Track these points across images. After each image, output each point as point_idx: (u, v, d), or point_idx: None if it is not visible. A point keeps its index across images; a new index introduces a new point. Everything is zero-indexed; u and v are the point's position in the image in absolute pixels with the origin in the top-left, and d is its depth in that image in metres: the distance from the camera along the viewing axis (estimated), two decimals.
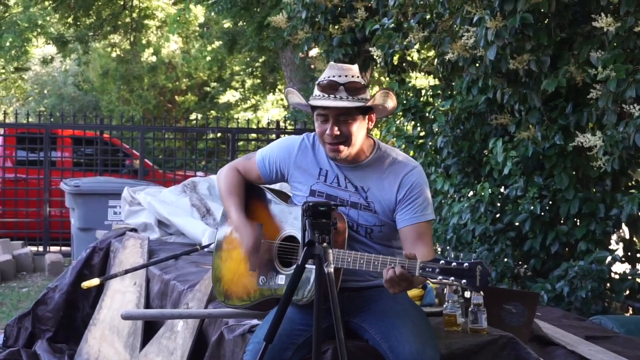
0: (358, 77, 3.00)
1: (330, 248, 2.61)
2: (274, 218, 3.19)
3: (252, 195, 3.30)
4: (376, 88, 14.16)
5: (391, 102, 3.06)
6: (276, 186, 3.63)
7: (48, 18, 17.29)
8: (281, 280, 3.06)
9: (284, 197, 3.29)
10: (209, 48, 17.92)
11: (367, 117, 3.03)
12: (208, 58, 18.23)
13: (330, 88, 2.95)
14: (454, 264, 2.58)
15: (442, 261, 2.60)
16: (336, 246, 2.79)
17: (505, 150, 5.56)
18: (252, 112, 21.50)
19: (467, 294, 3.22)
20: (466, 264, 2.57)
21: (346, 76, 2.97)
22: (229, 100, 20.97)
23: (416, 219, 2.98)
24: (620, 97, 4.72)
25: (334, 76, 2.97)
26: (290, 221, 3.11)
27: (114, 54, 19.49)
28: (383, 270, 2.73)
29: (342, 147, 2.98)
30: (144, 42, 19.00)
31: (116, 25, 16.79)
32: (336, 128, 2.96)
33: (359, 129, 3.00)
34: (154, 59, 19.77)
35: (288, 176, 3.19)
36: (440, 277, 2.59)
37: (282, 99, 20.07)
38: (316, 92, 3.00)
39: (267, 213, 3.23)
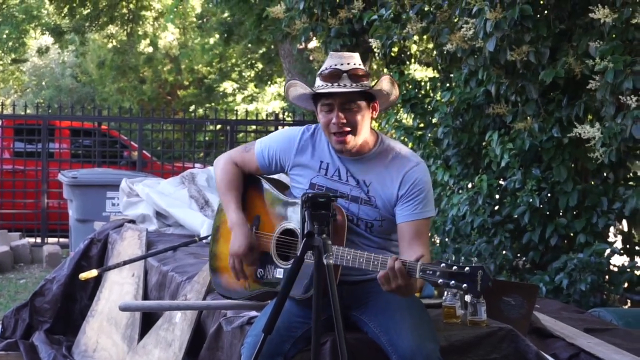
0: (360, 64, 2.97)
1: (330, 240, 2.58)
2: (272, 210, 3.16)
3: (250, 186, 3.26)
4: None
5: (395, 91, 3.03)
6: (275, 175, 3.60)
7: (44, 10, 17.20)
8: (279, 274, 3.03)
9: (281, 187, 3.25)
10: (209, 41, 17.80)
11: (370, 106, 3.00)
12: (205, 56, 18.12)
13: (333, 77, 2.91)
14: (455, 267, 2.53)
15: (443, 264, 2.55)
16: (335, 242, 2.75)
17: (502, 143, 5.55)
18: (249, 102, 21.39)
19: (467, 298, 3.20)
20: (467, 268, 2.52)
21: (348, 64, 2.93)
22: (226, 89, 20.86)
23: (415, 216, 2.94)
24: (618, 89, 4.70)
25: (336, 65, 2.93)
26: (288, 214, 3.07)
27: (110, 45, 19.41)
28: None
29: (348, 138, 2.94)
30: (140, 33, 18.92)
31: (113, 16, 16.71)
32: (342, 115, 2.92)
33: (364, 117, 2.96)
34: (151, 49, 19.68)
35: (288, 168, 3.15)
36: (441, 280, 2.54)
37: (280, 93, 19.99)
38: (318, 82, 2.96)
39: (265, 204, 3.20)
